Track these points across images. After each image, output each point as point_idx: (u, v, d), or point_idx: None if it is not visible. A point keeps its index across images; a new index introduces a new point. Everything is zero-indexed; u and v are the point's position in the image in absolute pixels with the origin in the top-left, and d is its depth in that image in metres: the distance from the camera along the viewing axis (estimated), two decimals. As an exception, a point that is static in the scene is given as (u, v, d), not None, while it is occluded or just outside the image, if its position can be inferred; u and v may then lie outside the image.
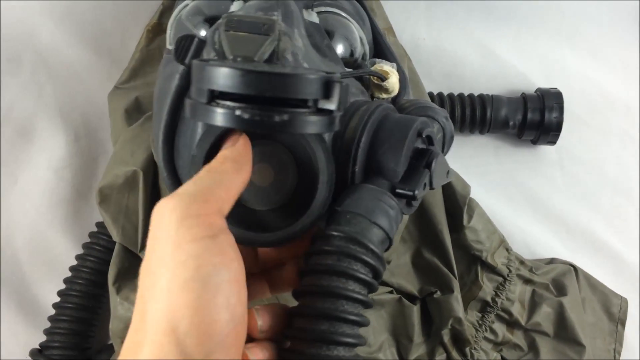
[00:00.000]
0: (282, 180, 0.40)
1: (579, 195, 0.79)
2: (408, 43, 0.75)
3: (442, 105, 0.74)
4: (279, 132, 0.38)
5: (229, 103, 0.34)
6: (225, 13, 0.50)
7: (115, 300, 0.63)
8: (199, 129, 0.40)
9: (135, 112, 0.69)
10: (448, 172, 0.46)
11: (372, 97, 0.54)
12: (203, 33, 0.54)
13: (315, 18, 0.53)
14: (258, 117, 0.33)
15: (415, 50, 0.74)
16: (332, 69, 0.47)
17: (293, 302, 0.39)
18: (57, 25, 0.75)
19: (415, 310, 0.67)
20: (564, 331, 0.68)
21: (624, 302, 0.72)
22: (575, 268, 0.73)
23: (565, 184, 0.79)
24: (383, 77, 0.52)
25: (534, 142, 0.77)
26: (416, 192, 0.41)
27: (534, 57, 0.79)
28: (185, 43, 0.41)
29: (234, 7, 0.52)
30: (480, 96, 0.75)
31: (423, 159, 0.42)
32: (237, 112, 0.33)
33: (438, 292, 0.67)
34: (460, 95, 0.76)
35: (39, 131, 0.75)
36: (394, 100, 0.55)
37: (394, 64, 0.55)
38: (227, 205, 0.35)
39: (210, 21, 0.54)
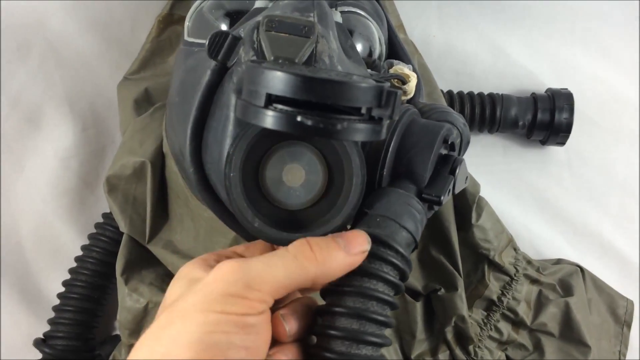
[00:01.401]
0: (313, 181, 0.41)
1: (587, 196, 0.78)
2: (419, 40, 0.75)
3: (451, 103, 0.74)
4: (336, 139, 0.39)
5: (287, 108, 0.34)
6: (247, 9, 0.52)
7: (123, 292, 0.63)
8: (230, 126, 0.41)
9: (145, 102, 0.69)
10: (467, 178, 0.48)
11: None
12: (224, 27, 0.55)
13: (339, 18, 0.53)
14: (322, 125, 0.34)
15: (426, 47, 0.74)
16: (359, 72, 0.48)
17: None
18: (68, 14, 0.75)
19: (418, 307, 0.67)
20: (569, 332, 0.68)
21: (630, 304, 0.72)
22: (581, 269, 0.73)
23: (573, 184, 0.79)
24: (405, 80, 0.52)
25: (543, 142, 0.77)
26: (442, 197, 0.42)
27: (545, 56, 0.79)
28: (219, 39, 0.41)
29: (260, 4, 0.53)
30: (490, 95, 0.75)
31: (447, 165, 0.44)
32: (299, 118, 0.34)
33: (442, 290, 0.66)
34: (470, 94, 0.75)
35: (47, 119, 0.75)
36: (410, 102, 0.55)
37: (411, 66, 0.55)
38: (283, 293, 0.37)
39: (231, 16, 0.55)
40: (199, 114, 0.45)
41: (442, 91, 0.74)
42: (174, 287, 0.39)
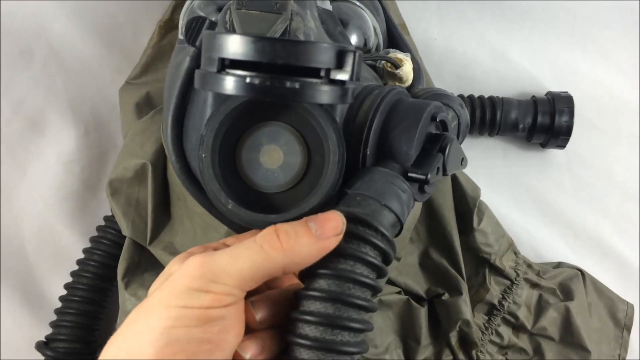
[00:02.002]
0: (291, 162, 0.39)
1: (587, 199, 0.78)
2: (419, 43, 0.75)
3: None
4: (290, 100, 0.37)
5: (239, 72, 0.33)
6: None
7: (123, 296, 0.64)
8: (208, 109, 0.40)
9: (146, 106, 0.69)
10: (463, 159, 0.46)
11: (386, 84, 0.53)
12: None
13: (328, 5, 0.52)
14: (269, 83, 0.32)
15: (427, 51, 0.74)
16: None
17: None
18: (70, 19, 0.75)
19: (422, 312, 0.67)
20: (569, 336, 0.68)
21: (630, 308, 0.72)
22: (582, 272, 0.73)
23: (573, 187, 0.79)
24: (397, 65, 0.51)
25: (543, 145, 0.77)
26: (429, 175, 0.40)
27: (545, 59, 0.79)
28: (196, 25, 0.41)
29: None
30: (491, 98, 0.75)
31: (437, 144, 0.42)
32: (248, 80, 0.33)
33: (446, 294, 0.66)
34: (471, 97, 0.76)
35: (49, 124, 0.75)
36: (408, 90, 0.53)
37: (408, 54, 0.54)
38: (252, 284, 0.36)
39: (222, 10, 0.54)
40: (179, 101, 0.44)
41: None
42: (155, 283, 0.39)
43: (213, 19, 0.52)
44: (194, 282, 0.34)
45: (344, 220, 0.36)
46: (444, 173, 0.42)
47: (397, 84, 0.52)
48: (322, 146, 0.39)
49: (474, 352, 0.66)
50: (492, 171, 0.79)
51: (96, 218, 0.73)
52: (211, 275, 0.34)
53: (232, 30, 0.39)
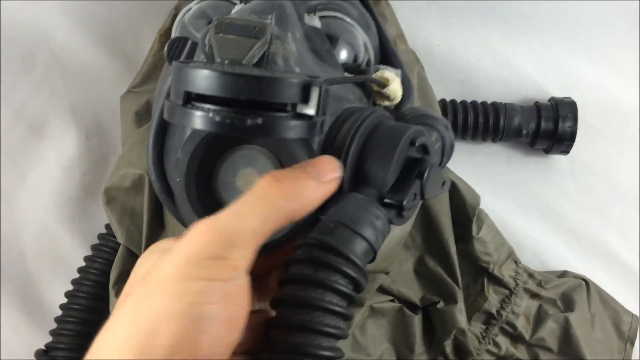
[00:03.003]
0: None
1: (591, 206, 0.77)
2: (422, 49, 0.74)
3: (454, 112, 0.74)
4: (254, 136, 0.38)
5: (205, 105, 0.33)
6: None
7: (114, 303, 0.64)
8: (188, 132, 0.40)
9: (146, 115, 0.70)
10: (444, 183, 0.45)
11: (375, 104, 0.53)
12: None
13: (317, 23, 0.53)
14: (229, 120, 0.32)
15: (429, 57, 0.74)
16: (330, 74, 0.47)
17: None
18: (72, 26, 0.76)
19: (416, 320, 0.66)
20: (568, 348, 0.67)
21: (634, 320, 0.71)
22: (587, 282, 0.72)
23: (577, 194, 0.78)
24: (383, 84, 0.51)
25: (547, 151, 0.76)
26: (404, 202, 0.39)
27: (548, 65, 0.78)
28: (178, 45, 0.41)
29: (235, 10, 0.52)
30: (494, 104, 0.75)
31: (415, 169, 0.41)
32: (210, 115, 0.32)
33: (441, 302, 0.66)
34: (474, 103, 0.75)
35: (50, 129, 0.76)
36: (397, 108, 0.54)
37: (399, 71, 0.54)
38: (262, 240, 0.34)
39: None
40: (161, 120, 0.44)
41: (445, 100, 0.74)
42: (146, 260, 0.37)
43: (199, 35, 0.52)
44: (208, 248, 0.32)
45: (341, 166, 0.38)
46: (422, 198, 0.42)
47: (385, 102, 0.52)
48: None
49: (469, 362, 0.66)
50: (495, 177, 0.78)
51: (96, 223, 0.74)
52: (225, 239, 0.32)
53: (211, 55, 0.39)
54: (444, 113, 0.73)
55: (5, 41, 0.75)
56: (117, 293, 0.63)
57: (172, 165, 0.42)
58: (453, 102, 0.75)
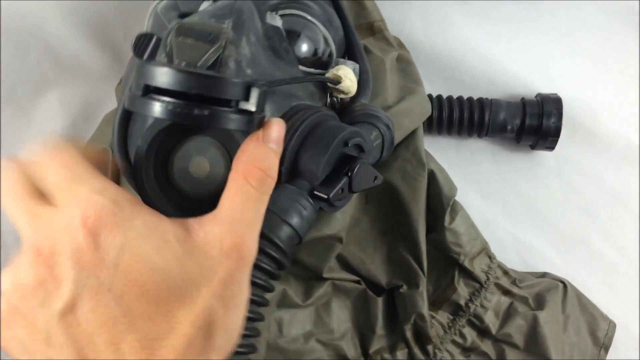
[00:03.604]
0: (216, 173, 0.43)
1: (576, 204, 0.77)
2: (405, 45, 0.74)
3: (440, 107, 0.74)
4: (204, 128, 0.42)
5: (162, 97, 0.38)
6: (196, 11, 0.55)
7: None
8: (149, 122, 0.43)
9: None
10: (376, 177, 0.50)
11: (332, 96, 0.58)
12: None
13: (278, 22, 0.56)
14: (179, 109, 0.38)
15: (413, 53, 0.73)
16: (285, 71, 0.52)
17: None
18: (65, 19, 0.79)
19: (379, 302, 0.66)
20: (534, 345, 0.65)
21: (611, 327, 0.70)
22: (565, 285, 0.71)
23: (562, 192, 0.77)
24: (335, 82, 0.56)
25: (533, 147, 0.76)
26: (331, 195, 0.46)
27: (534, 62, 0.78)
28: (144, 40, 0.43)
29: (203, 7, 0.56)
30: (480, 100, 0.75)
31: (346, 166, 0.47)
32: (164, 105, 0.38)
33: (405, 287, 0.66)
34: (460, 98, 0.75)
35: (39, 113, 0.79)
36: (353, 100, 0.58)
37: (356, 65, 0.58)
38: None
39: (184, 16, 0.57)
40: (125, 108, 0.47)
41: (431, 96, 0.74)
42: None
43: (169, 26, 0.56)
44: None
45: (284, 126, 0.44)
46: (350, 191, 0.48)
47: (341, 95, 0.57)
48: None
49: (430, 348, 0.65)
50: (481, 174, 0.78)
51: None
52: None
53: (170, 56, 0.44)
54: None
55: (1, 32, 0.78)
56: None
57: (134, 150, 0.46)
58: (439, 97, 0.75)
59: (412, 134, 0.66)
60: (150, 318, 0.35)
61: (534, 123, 0.73)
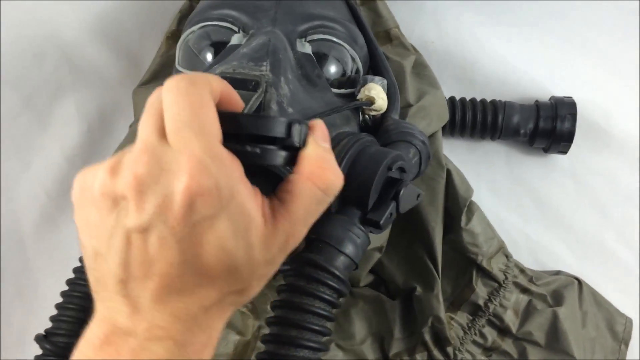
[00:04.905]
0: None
1: (589, 205, 0.77)
2: (416, 46, 0.75)
3: (453, 109, 0.74)
4: (252, 162, 0.43)
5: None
6: (227, 41, 0.59)
7: None
8: None
9: None
10: (419, 195, 0.52)
11: (364, 113, 0.61)
12: (209, 57, 0.61)
13: (308, 48, 0.59)
14: (238, 148, 0.39)
15: (425, 54, 0.74)
16: (320, 99, 0.56)
17: None
18: (81, 25, 0.79)
19: (396, 306, 0.67)
20: (555, 342, 0.66)
21: (628, 323, 0.70)
22: (580, 282, 0.71)
23: (576, 192, 0.77)
24: (370, 104, 0.59)
25: (546, 150, 0.76)
26: (382, 222, 0.48)
27: (546, 63, 0.78)
28: None
29: (235, 40, 0.59)
30: (493, 102, 0.75)
31: (392, 189, 0.49)
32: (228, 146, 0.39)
33: (419, 289, 0.66)
34: (473, 100, 0.75)
35: (55, 119, 0.79)
36: (384, 116, 0.61)
37: (384, 81, 0.60)
38: None
39: (215, 46, 0.61)
40: None
41: (444, 95, 0.75)
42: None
43: (207, 57, 0.61)
44: None
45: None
46: (398, 214, 0.50)
47: (373, 112, 0.60)
48: None
49: (450, 350, 0.65)
50: (494, 175, 0.78)
51: None
52: None
53: None
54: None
55: (19, 39, 0.78)
56: None
57: None
58: (452, 99, 0.75)
59: (432, 136, 0.67)
60: (194, 281, 0.37)
61: (548, 127, 0.73)
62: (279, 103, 0.49)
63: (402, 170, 0.51)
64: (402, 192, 0.49)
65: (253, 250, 0.38)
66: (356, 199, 0.48)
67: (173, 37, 0.77)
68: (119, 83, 0.80)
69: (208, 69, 0.58)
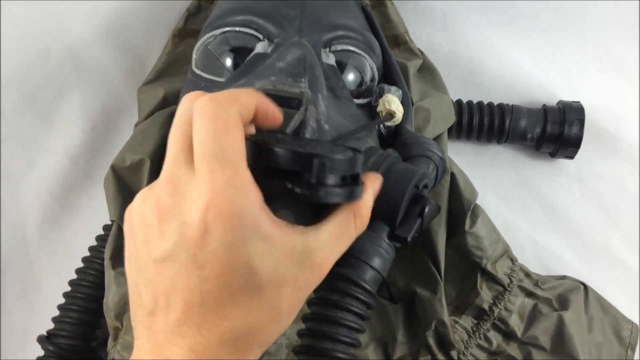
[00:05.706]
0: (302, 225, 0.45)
1: (596, 209, 0.77)
2: (423, 48, 0.75)
3: (460, 112, 0.74)
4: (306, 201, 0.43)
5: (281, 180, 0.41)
6: (251, 46, 0.59)
7: (110, 274, 0.65)
8: None
9: (160, 107, 0.72)
10: (439, 209, 0.56)
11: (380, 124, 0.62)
12: (228, 62, 0.60)
13: (332, 59, 0.60)
14: (300, 190, 0.40)
15: (431, 56, 0.74)
16: (344, 110, 0.57)
17: None
18: (86, 23, 0.79)
19: (398, 310, 0.67)
20: (561, 347, 0.65)
21: (635, 328, 0.69)
22: (586, 287, 0.70)
23: (583, 196, 0.77)
24: (391, 118, 0.60)
25: (552, 155, 0.75)
26: (409, 238, 0.50)
27: (556, 67, 0.78)
28: None
29: (259, 48, 0.59)
30: (500, 106, 0.74)
31: (418, 206, 0.51)
32: (288, 185, 0.40)
33: (422, 293, 0.66)
34: (480, 104, 0.75)
35: (59, 118, 0.79)
36: (399, 127, 0.62)
37: (399, 92, 0.61)
38: None
39: (235, 51, 0.61)
40: None
41: (451, 100, 0.75)
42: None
43: (227, 62, 0.61)
44: None
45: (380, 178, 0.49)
46: (421, 229, 0.52)
47: (389, 123, 0.61)
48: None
49: (454, 354, 0.65)
50: (501, 178, 0.78)
51: (101, 211, 0.73)
52: None
53: None
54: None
55: (23, 36, 0.78)
56: (114, 266, 0.65)
57: None
58: (459, 102, 0.75)
59: (437, 139, 0.67)
60: (220, 302, 0.37)
61: (555, 131, 0.73)
62: (317, 121, 0.50)
63: (425, 187, 0.53)
64: (427, 209, 0.51)
65: (278, 264, 0.38)
66: (385, 215, 0.50)
67: (180, 35, 0.77)
68: (124, 81, 0.80)
69: (235, 78, 0.58)
